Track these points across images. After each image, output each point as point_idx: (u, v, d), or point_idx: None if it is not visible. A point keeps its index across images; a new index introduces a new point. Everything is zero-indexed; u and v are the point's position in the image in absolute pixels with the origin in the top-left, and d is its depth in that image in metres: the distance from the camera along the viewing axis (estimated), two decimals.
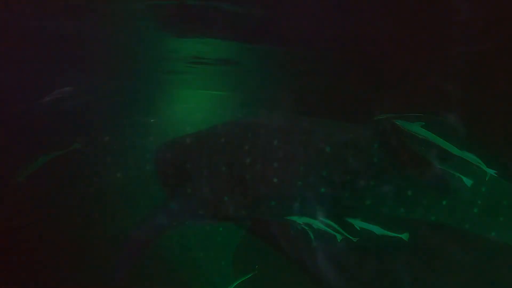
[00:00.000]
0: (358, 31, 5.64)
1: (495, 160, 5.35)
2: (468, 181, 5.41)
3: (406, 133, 5.35)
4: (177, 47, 7.46)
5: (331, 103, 8.47)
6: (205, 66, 8.74)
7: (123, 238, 7.23)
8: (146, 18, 5.70)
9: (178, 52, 7.79)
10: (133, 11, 5.48)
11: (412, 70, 6.95)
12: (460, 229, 6.19)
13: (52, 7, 5.67)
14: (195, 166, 6.79)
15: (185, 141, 7.11)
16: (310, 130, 6.84)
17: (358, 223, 5.71)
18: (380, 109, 6.33)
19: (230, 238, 9.61)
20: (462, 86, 6.04)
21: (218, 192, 6.63)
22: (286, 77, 9.37)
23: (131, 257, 6.66)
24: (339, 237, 5.67)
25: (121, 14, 5.68)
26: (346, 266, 6.37)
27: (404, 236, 5.55)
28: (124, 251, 6.67)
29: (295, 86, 9.71)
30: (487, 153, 5.26)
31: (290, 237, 6.49)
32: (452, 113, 5.95)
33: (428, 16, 5.04)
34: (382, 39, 5.82)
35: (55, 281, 9.32)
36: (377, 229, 5.62)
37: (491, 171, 5.02)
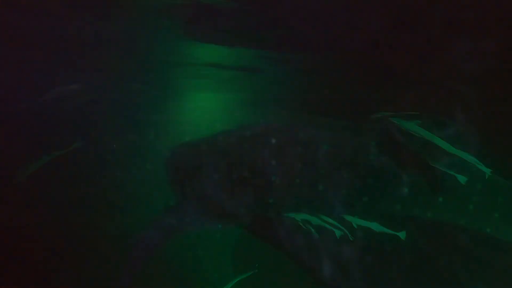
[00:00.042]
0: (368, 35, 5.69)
1: (491, 158, 5.42)
2: (462, 179, 5.47)
3: (403, 131, 5.42)
4: (193, 52, 7.57)
5: (334, 102, 8.57)
6: (221, 71, 8.88)
7: (130, 240, 7.18)
8: (165, 17, 5.75)
9: (195, 57, 7.91)
10: (152, 9, 5.54)
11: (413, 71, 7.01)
12: (455, 226, 6.27)
13: (73, 9, 5.78)
14: (207, 170, 6.80)
15: (197, 145, 7.12)
16: (310, 130, 6.93)
17: (356, 221, 5.75)
18: (381, 108, 6.39)
19: (230, 236, 9.64)
20: (460, 86, 6.10)
21: (227, 194, 6.65)
22: (297, 79, 9.41)
23: (139, 261, 6.61)
24: (338, 233, 5.71)
25: (140, 13, 5.74)
26: (343, 263, 6.41)
27: (401, 234, 5.58)
28: (131, 255, 6.61)
29: (304, 86, 9.77)
30: (485, 152, 5.32)
31: (289, 235, 6.53)
32: (451, 113, 6.03)
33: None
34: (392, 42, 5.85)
35: (54, 281, 9.33)
36: (375, 226, 5.66)
37: (487, 170, 5.08)
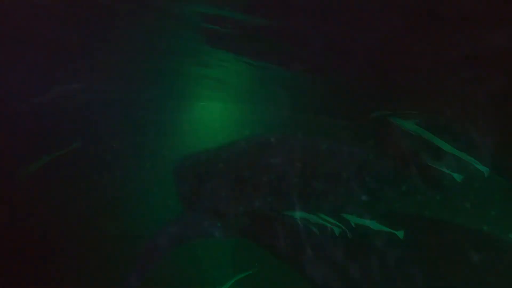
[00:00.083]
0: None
1: (489, 157, 5.46)
2: (458, 177, 5.51)
3: (401, 130, 5.46)
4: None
5: (332, 103, 8.62)
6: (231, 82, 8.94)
7: (137, 248, 7.20)
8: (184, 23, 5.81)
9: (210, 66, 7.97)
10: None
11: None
12: (453, 224, 6.29)
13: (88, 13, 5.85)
14: (215, 179, 6.86)
15: (205, 156, 7.20)
16: (311, 138, 7.02)
17: (354, 219, 5.77)
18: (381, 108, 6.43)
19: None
20: (460, 86, 6.13)
21: (234, 204, 6.69)
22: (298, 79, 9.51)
23: (145, 269, 6.62)
24: (336, 230, 5.74)
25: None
26: (338, 263, 6.43)
27: (399, 233, 5.59)
28: (138, 262, 6.63)
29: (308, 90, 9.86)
30: (484, 152, 5.35)
31: (282, 236, 6.57)
32: (450, 112, 6.06)
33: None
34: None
35: (55, 281, 9.34)
36: (373, 225, 5.68)
37: (485, 169, 5.12)
